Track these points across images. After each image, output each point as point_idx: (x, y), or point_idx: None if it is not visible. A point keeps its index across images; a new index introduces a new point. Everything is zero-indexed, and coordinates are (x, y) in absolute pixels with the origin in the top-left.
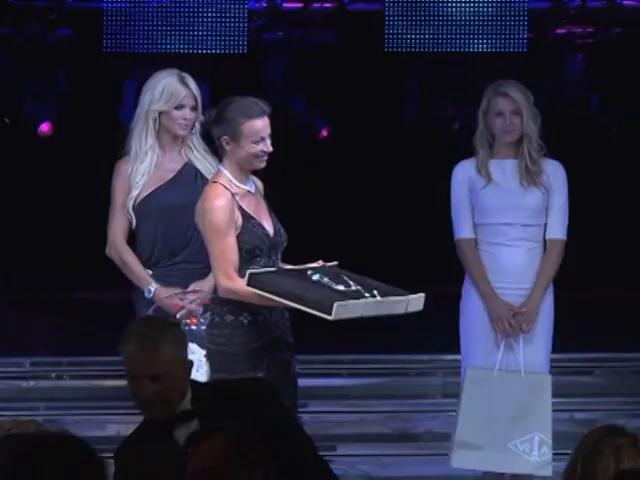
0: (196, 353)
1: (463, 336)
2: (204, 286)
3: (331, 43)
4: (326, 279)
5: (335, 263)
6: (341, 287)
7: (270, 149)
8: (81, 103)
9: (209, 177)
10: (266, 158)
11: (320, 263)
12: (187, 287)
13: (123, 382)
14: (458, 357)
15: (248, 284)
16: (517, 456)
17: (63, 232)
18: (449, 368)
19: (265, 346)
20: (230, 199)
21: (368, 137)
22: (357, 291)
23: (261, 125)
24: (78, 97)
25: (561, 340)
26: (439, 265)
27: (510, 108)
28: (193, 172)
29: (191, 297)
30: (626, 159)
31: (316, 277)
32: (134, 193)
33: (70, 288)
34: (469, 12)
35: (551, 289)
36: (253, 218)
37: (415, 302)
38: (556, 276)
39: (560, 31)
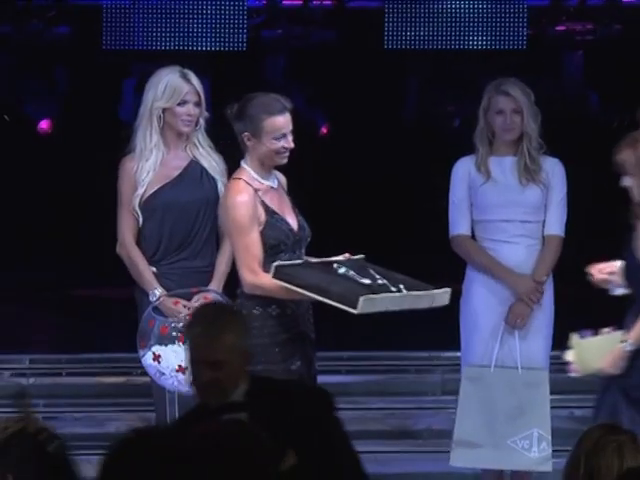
0: None
1: (463, 333)
2: (211, 287)
3: (331, 41)
4: (352, 272)
5: (362, 256)
6: (367, 280)
7: (291, 145)
8: (80, 100)
9: (214, 174)
10: (287, 154)
11: (347, 256)
12: (188, 285)
13: (122, 379)
14: (458, 354)
15: (274, 276)
16: (516, 453)
17: (63, 229)
18: (449, 365)
19: (294, 338)
20: (252, 195)
21: (368, 134)
22: (383, 285)
23: (282, 121)
24: (77, 94)
25: (560, 337)
26: (438, 262)
27: (511, 107)
28: (199, 169)
29: (197, 304)
30: None
31: (342, 270)
32: (140, 191)
33: (70, 285)
34: (468, 9)
35: (551, 285)
36: (276, 213)
37: (441, 297)
38: (555, 272)
39: (560, 28)
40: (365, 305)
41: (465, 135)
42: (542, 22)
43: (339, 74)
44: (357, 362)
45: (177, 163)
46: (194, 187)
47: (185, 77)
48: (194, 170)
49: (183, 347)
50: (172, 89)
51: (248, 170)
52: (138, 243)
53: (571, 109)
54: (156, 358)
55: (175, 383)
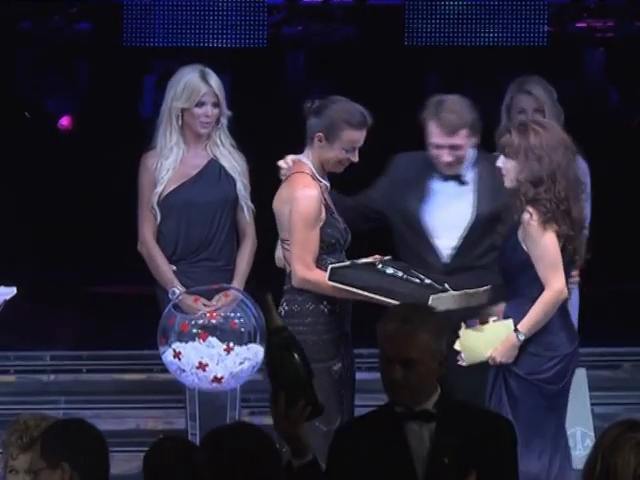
0: (216, 347)
1: None
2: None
3: (351, 37)
4: (400, 273)
5: (389, 257)
6: (417, 280)
7: (356, 160)
8: (101, 97)
9: (233, 174)
10: (346, 166)
11: (377, 257)
12: (209, 283)
13: (143, 376)
14: None
15: (330, 278)
16: None
17: (82, 226)
18: None
19: (340, 336)
20: (320, 190)
21: (388, 131)
22: (430, 284)
23: (359, 136)
24: (98, 91)
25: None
26: None
27: (533, 106)
28: (217, 168)
29: (217, 304)
30: None
31: (390, 271)
32: (159, 189)
33: (90, 282)
34: (489, 6)
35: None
36: (334, 212)
37: (486, 295)
38: (582, 270)
39: (580, 25)
40: (434, 304)
41: (485, 131)
42: (563, 19)
43: (359, 71)
44: (378, 359)
45: (196, 162)
46: (212, 186)
47: (204, 78)
48: (213, 169)
49: (203, 344)
50: (190, 90)
51: (310, 167)
52: (157, 241)
53: (591, 106)
54: (176, 355)
55: (195, 380)
